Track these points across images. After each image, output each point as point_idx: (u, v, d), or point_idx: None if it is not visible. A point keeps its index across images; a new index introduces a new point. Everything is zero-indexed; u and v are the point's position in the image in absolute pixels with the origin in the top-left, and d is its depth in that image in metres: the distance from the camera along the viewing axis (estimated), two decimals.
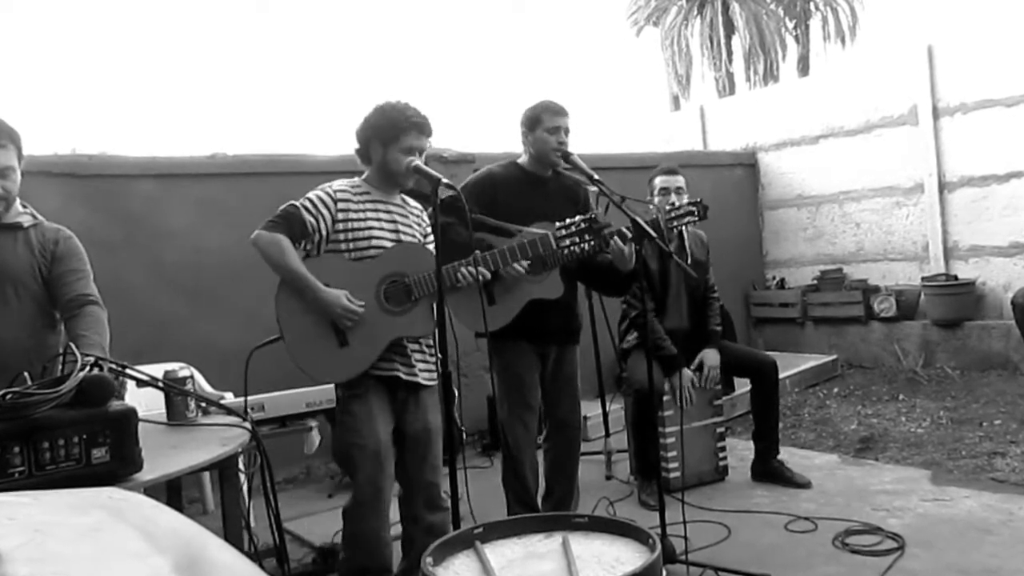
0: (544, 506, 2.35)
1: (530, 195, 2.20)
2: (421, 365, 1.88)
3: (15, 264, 1.74)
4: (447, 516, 1.90)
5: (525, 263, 2.05)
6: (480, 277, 1.82)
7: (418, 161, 1.84)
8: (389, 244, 1.84)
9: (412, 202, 1.97)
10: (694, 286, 2.87)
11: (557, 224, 1.92)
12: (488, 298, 2.07)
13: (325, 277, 1.75)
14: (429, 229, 1.95)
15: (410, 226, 1.89)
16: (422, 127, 1.84)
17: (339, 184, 1.87)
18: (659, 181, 2.83)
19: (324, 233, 1.80)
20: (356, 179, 1.89)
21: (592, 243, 1.91)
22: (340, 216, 1.81)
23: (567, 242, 1.89)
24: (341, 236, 1.81)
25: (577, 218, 1.90)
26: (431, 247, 1.91)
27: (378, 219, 1.84)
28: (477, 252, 1.84)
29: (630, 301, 2.82)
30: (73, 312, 1.73)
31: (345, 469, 1.85)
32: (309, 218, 1.78)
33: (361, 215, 1.83)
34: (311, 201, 1.81)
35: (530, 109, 2.23)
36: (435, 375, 1.93)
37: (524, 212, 2.13)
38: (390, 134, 1.83)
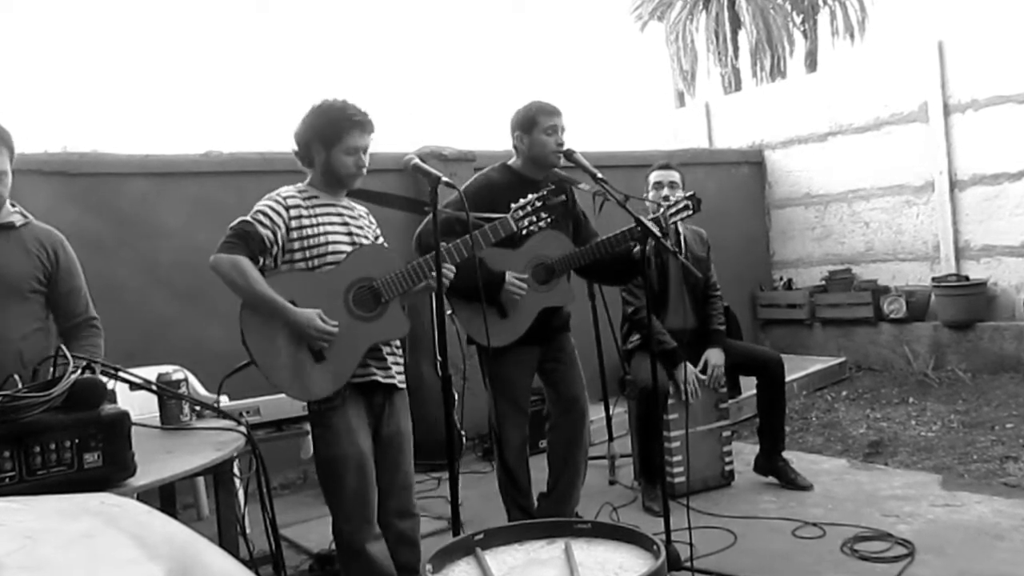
0: (544, 503, 2.32)
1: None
2: (396, 368, 1.86)
3: (7, 264, 1.72)
4: (417, 523, 1.90)
5: (525, 278, 2.07)
6: (441, 280, 1.76)
7: (416, 160, 1.81)
8: (346, 247, 1.78)
9: (358, 205, 1.93)
10: (694, 283, 2.84)
11: (513, 206, 1.92)
12: (500, 311, 2.07)
13: (290, 293, 1.69)
14: (379, 231, 1.94)
15: (361, 228, 1.86)
16: (364, 125, 1.77)
17: (287, 191, 1.80)
18: (653, 177, 2.83)
19: (280, 244, 1.73)
20: (301, 184, 1.84)
21: (549, 219, 1.93)
22: (293, 224, 1.75)
23: (526, 221, 1.91)
24: (296, 245, 1.75)
25: (531, 197, 1.91)
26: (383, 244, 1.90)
27: (331, 223, 1.80)
28: (424, 259, 1.80)
29: (628, 299, 2.79)
30: (73, 335, 1.77)
31: (327, 484, 1.80)
32: (266, 232, 1.71)
33: (314, 220, 1.78)
34: (263, 213, 1.73)
35: (523, 111, 2.20)
36: (404, 376, 1.91)
37: None
38: (331, 135, 1.75)
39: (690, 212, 2.10)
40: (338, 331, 1.71)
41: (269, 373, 1.70)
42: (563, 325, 2.31)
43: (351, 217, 1.84)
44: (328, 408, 1.76)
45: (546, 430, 2.38)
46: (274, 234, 1.72)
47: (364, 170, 1.81)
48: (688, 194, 2.12)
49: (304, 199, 1.79)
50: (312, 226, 1.77)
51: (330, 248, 1.76)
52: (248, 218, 1.73)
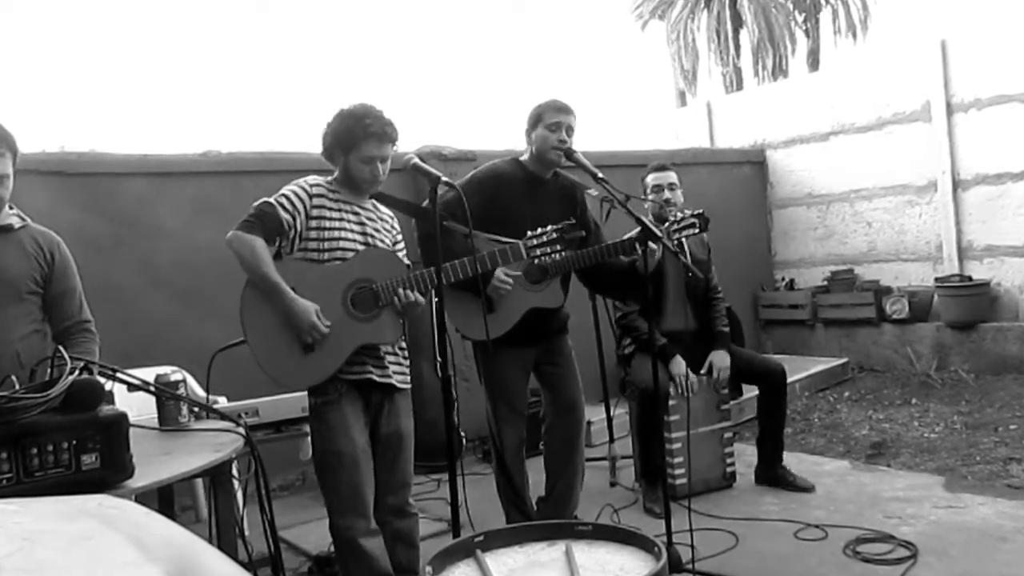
0: (542, 507, 2.31)
1: (530, 196, 2.19)
2: (395, 367, 1.87)
3: (6, 265, 1.72)
4: (415, 523, 1.91)
5: (516, 276, 2.06)
6: (416, 300, 1.78)
7: (416, 160, 1.81)
8: (358, 246, 1.83)
9: (384, 208, 1.95)
10: (695, 286, 2.82)
11: (528, 233, 1.91)
12: (487, 305, 2.05)
13: (293, 280, 1.73)
14: (400, 236, 1.96)
15: (378, 231, 1.88)
16: (380, 136, 1.79)
17: (314, 180, 1.84)
18: (651, 179, 2.81)
19: (298, 229, 1.78)
20: (330, 177, 1.88)
21: (563, 253, 1.91)
22: (314, 213, 1.79)
23: (538, 252, 1.90)
24: (313, 234, 1.79)
25: (549, 228, 1.90)
26: (400, 254, 1.91)
27: (347, 220, 1.83)
28: (417, 273, 1.82)
29: (617, 305, 2.79)
30: (66, 338, 1.76)
31: (323, 478, 1.83)
32: (285, 216, 1.76)
33: (336, 214, 1.82)
34: (287, 197, 1.78)
35: (535, 107, 2.22)
36: (409, 378, 1.92)
37: (523, 213, 2.12)
38: (348, 142, 1.80)
39: (696, 231, 2.09)
40: (330, 329, 1.73)
41: (257, 353, 1.73)
42: (561, 327, 2.29)
43: (368, 219, 1.87)
44: (324, 403, 1.78)
45: (543, 433, 2.37)
46: (293, 219, 1.76)
47: (380, 179, 1.84)
48: (697, 212, 2.11)
49: (330, 191, 1.84)
50: (331, 219, 1.80)
51: (341, 244, 1.79)
52: (271, 200, 1.78)
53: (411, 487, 1.92)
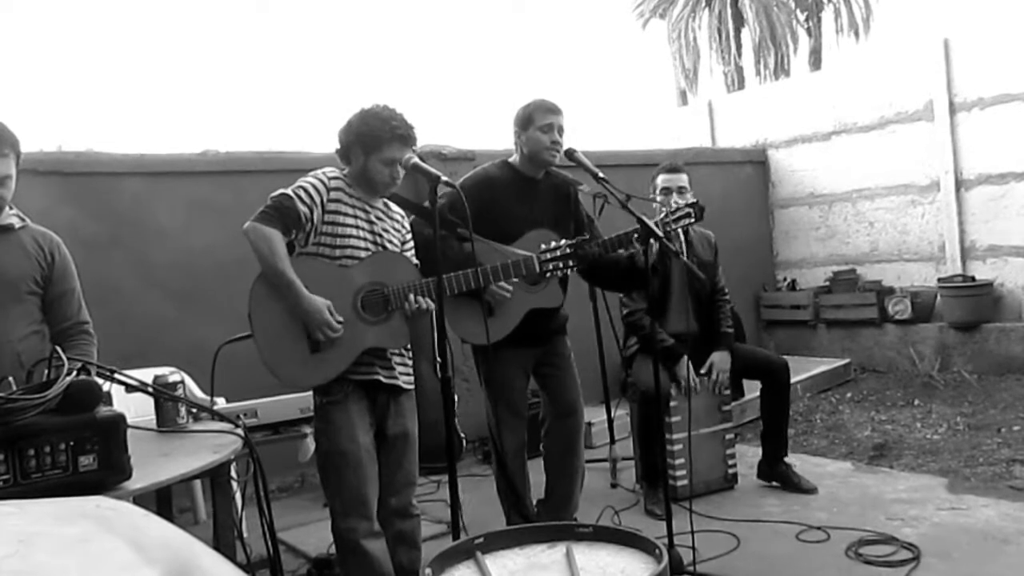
0: (542, 509, 2.30)
1: (524, 197, 2.18)
2: (401, 368, 1.87)
3: (6, 266, 1.72)
4: (418, 524, 1.91)
5: (512, 281, 2.06)
6: (427, 307, 1.79)
7: (416, 159, 1.80)
8: (370, 246, 1.82)
9: (395, 207, 1.95)
10: (699, 287, 2.80)
11: (542, 247, 1.91)
12: (487, 309, 2.04)
13: (304, 279, 1.72)
14: (409, 236, 1.95)
15: (387, 231, 1.87)
16: (405, 139, 1.79)
17: (333, 173, 1.83)
18: (661, 180, 2.79)
19: (315, 222, 1.76)
20: (344, 171, 1.87)
21: (575, 268, 1.90)
22: (331, 207, 1.78)
23: (551, 266, 1.89)
24: (328, 229, 1.78)
25: (563, 242, 1.90)
26: (409, 254, 1.90)
27: (360, 219, 1.83)
28: (428, 280, 1.82)
29: (624, 302, 2.77)
30: (64, 339, 1.75)
31: (327, 479, 1.82)
32: (303, 208, 1.74)
33: (351, 211, 1.81)
34: (305, 190, 1.77)
35: (523, 108, 2.20)
36: (413, 378, 1.92)
37: (519, 215, 2.12)
38: (371, 143, 1.79)
39: (692, 220, 2.08)
40: (340, 330, 1.72)
41: (263, 350, 1.72)
42: (560, 328, 2.28)
43: (378, 218, 1.86)
44: (329, 403, 1.78)
45: (542, 435, 2.36)
46: (311, 211, 1.76)
47: (398, 181, 1.84)
48: (691, 201, 2.09)
49: (347, 185, 1.83)
50: (345, 215, 1.80)
51: (350, 242, 1.79)
52: (289, 192, 1.76)
53: (415, 487, 1.91)
